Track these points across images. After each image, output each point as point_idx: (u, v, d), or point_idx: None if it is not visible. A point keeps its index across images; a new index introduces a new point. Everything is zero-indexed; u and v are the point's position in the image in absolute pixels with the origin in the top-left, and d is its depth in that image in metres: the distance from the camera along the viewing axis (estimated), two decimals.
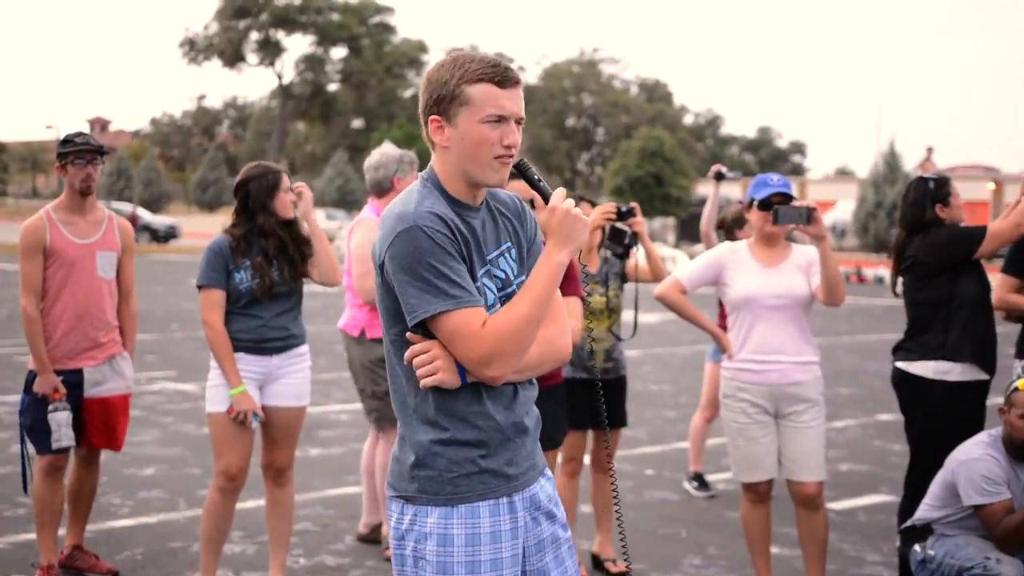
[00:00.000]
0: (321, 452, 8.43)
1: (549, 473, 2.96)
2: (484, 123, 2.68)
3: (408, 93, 79.22)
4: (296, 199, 5.16)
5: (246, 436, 5.09)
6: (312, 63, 75.99)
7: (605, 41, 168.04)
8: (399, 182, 6.05)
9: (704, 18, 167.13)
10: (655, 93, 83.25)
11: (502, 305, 2.74)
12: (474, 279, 2.71)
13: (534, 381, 2.89)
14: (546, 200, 2.76)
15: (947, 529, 4.93)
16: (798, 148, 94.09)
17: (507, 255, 2.82)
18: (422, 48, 77.96)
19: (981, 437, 4.95)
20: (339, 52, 76.45)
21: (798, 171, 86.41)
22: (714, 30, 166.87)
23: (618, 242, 5.73)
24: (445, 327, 2.63)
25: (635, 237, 5.74)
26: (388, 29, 76.66)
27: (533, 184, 2.82)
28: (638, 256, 5.81)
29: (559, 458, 5.65)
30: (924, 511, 5.02)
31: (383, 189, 6.07)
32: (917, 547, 4.97)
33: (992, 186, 50.48)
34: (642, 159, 53.09)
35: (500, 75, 2.69)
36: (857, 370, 13.69)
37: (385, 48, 75.42)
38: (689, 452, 7.71)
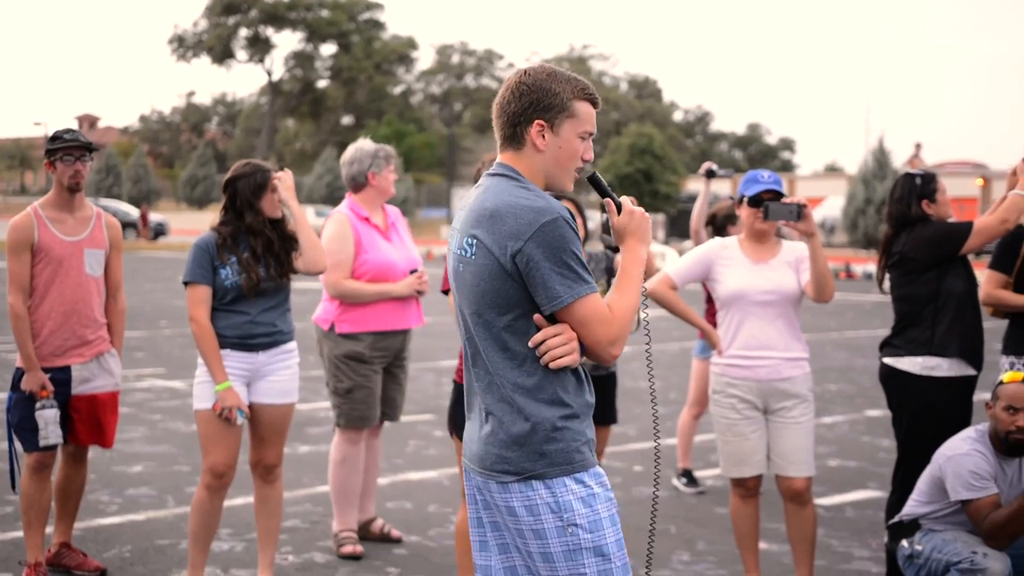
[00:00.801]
0: (310, 449, 8.42)
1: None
2: (580, 137, 3.01)
3: (398, 90, 79.22)
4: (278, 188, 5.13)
5: (233, 433, 5.08)
6: (301, 60, 75.86)
7: (595, 38, 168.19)
8: (374, 177, 6.04)
9: (694, 15, 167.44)
10: (645, 90, 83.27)
11: None
12: None
13: None
14: (619, 207, 3.12)
15: (934, 524, 4.94)
16: (787, 145, 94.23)
17: None
18: (412, 45, 77.85)
19: (968, 432, 4.96)
20: (328, 49, 76.36)
21: (787, 168, 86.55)
22: (704, 27, 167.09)
23: (612, 235, 5.73)
24: (581, 311, 2.90)
25: None
26: (378, 26, 76.52)
27: (606, 193, 3.14)
28: None
29: None
30: (912, 506, 5.03)
31: (358, 184, 6.07)
32: (904, 542, 4.99)
33: (980, 182, 50.61)
34: (632, 156, 53.07)
35: (596, 97, 3.05)
36: (846, 366, 13.71)
37: (375, 45, 75.27)
38: (677, 449, 7.72)
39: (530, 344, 2.93)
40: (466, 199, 3.09)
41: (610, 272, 5.85)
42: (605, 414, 5.81)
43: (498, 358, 2.96)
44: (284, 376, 5.22)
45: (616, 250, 5.80)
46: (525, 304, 2.93)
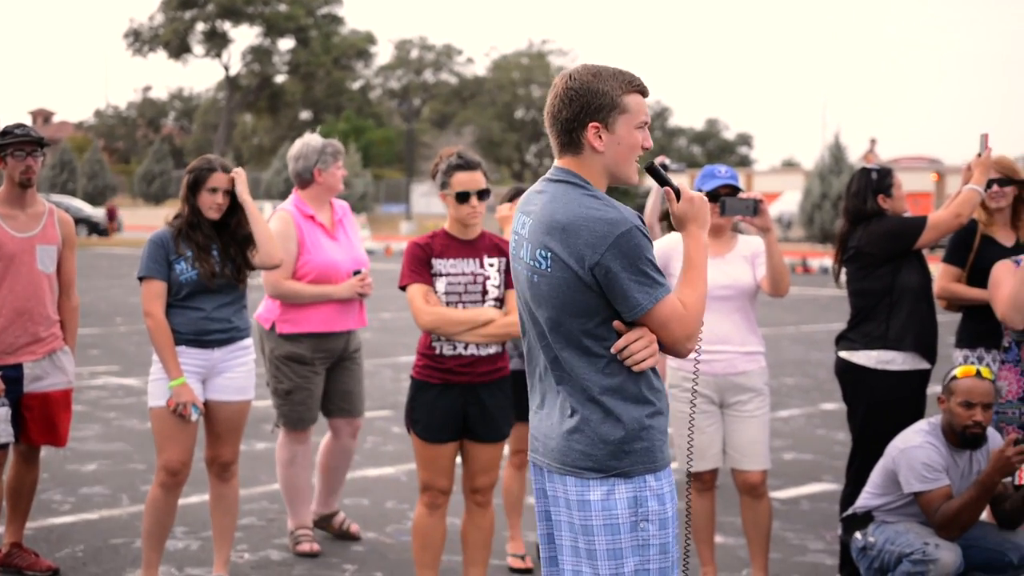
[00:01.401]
0: (267, 446, 8.37)
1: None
2: (637, 128, 3.05)
3: (356, 85, 78.89)
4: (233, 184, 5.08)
5: (188, 430, 5.04)
6: (259, 54, 75.29)
7: (554, 33, 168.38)
8: (320, 174, 5.96)
9: (652, 10, 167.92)
10: None
11: None
12: None
13: None
14: (677, 194, 3.13)
15: (887, 516, 4.99)
16: (745, 140, 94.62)
17: None
18: (370, 40, 77.50)
19: (921, 425, 5.01)
20: (286, 43, 75.80)
21: (745, 163, 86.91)
22: (662, 23, 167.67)
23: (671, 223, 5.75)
24: (661, 313, 2.97)
25: None
26: (336, 20, 76.07)
27: (665, 182, 3.17)
28: None
29: (506, 450, 5.65)
30: (865, 499, 5.07)
31: (304, 181, 5.99)
32: (858, 534, 5.03)
33: (934, 177, 51.08)
34: None
35: (644, 86, 3.08)
36: (802, 360, 13.81)
37: (333, 39, 74.81)
38: None
39: (612, 350, 3.00)
40: (526, 204, 3.14)
41: None
42: None
43: (580, 363, 3.03)
44: (240, 373, 5.18)
45: None
46: (604, 311, 3.00)
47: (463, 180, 4.78)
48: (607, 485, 3.01)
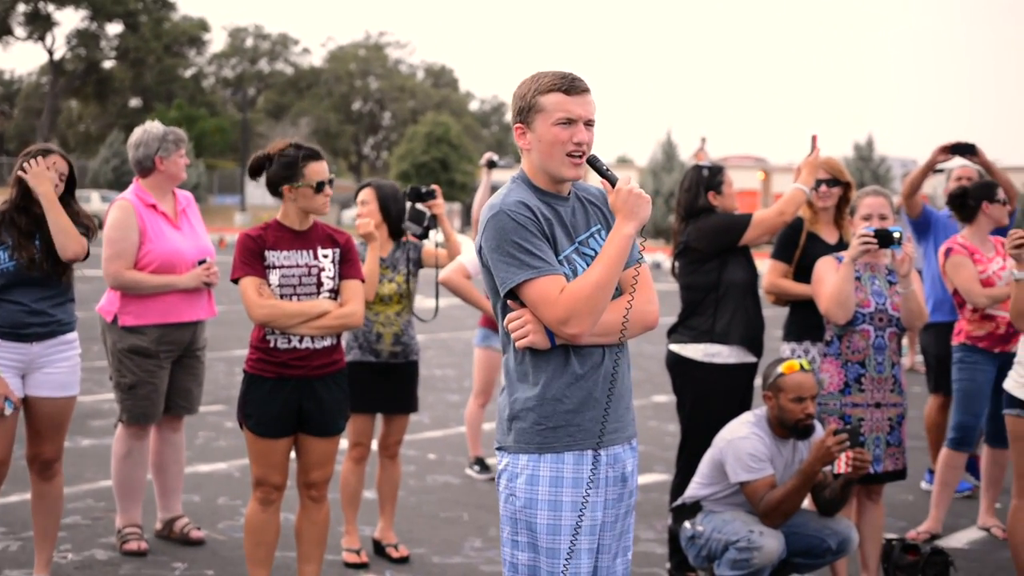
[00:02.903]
0: (93, 443, 8.12)
1: (636, 444, 3.42)
2: (556, 125, 3.17)
3: (189, 73, 76.99)
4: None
5: (5, 426, 4.85)
6: (85, 39, 72.76)
7: (391, 25, 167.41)
8: (162, 162, 5.82)
9: (489, 5, 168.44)
10: (441, 79, 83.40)
11: None
12: (559, 254, 3.19)
13: (625, 347, 3.32)
14: (613, 185, 3.23)
15: (715, 506, 5.12)
16: None
17: (597, 236, 3.31)
18: (203, 27, 75.71)
19: (747, 417, 5.16)
20: (115, 28, 73.51)
21: None
22: (499, 18, 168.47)
23: (418, 223, 5.73)
24: (529, 294, 3.13)
25: (435, 219, 5.75)
26: (167, 6, 74.02)
27: (601, 173, 3.28)
28: (437, 239, 5.81)
29: (344, 444, 5.60)
30: (694, 489, 5.19)
31: (145, 169, 5.84)
32: (687, 523, 5.14)
33: (761, 175, 52.71)
34: (428, 144, 53.20)
35: (567, 84, 3.19)
36: (635, 353, 14.05)
37: (164, 25, 72.83)
38: (467, 438, 7.76)
39: (505, 324, 3.24)
40: None
41: (416, 263, 5.82)
42: (405, 402, 5.81)
43: (502, 338, 3.34)
44: (62, 368, 5.01)
45: (423, 236, 5.79)
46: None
47: (318, 170, 4.72)
48: (500, 456, 3.30)
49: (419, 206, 5.73)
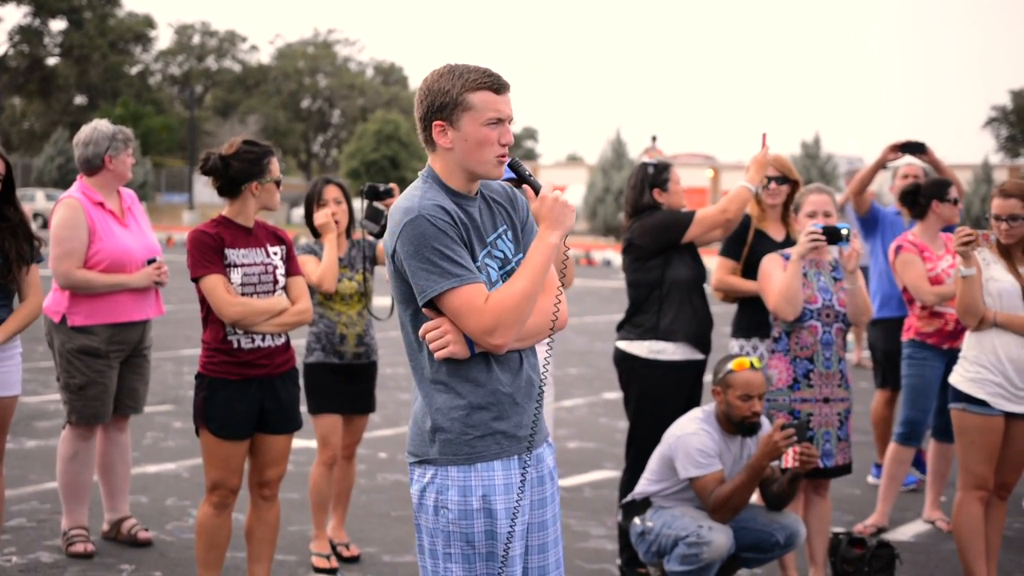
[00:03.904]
0: (38, 444, 8.01)
1: (552, 442, 3.37)
2: (485, 125, 3.06)
3: (135, 70, 76.18)
4: None
5: None
6: (28, 35, 71.81)
7: (340, 22, 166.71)
8: (111, 161, 5.77)
9: (438, 3, 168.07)
10: (391, 76, 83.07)
11: (504, 281, 3.13)
12: (475, 260, 3.08)
13: (535, 349, 3.25)
14: (536, 192, 3.15)
15: (664, 501, 5.15)
16: (531, 134, 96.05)
17: (504, 236, 3.21)
18: (149, 23, 74.88)
19: (695, 413, 5.19)
20: (59, 24, 72.57)
21: (531, 156, 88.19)
22: (447, 16, 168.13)
23: (375, 221, 5.71)
24: (451, 304, 3.00)
25: None
26: (112, 2, 73.16)
27: (524, 179, 3.21)
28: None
29: (313, 443, 5.56)
30: (643, 485, 5.22)
31: (92, 167, 5.79)
32: (637, 519, 5.17)
33: (711, 173, 53.01)
34: (378, 142, 52.95)
35: (496, 83, 3.09)
36: (586, 350, 14.11)
37: (109, 22, 71.97)
38: None
39: (420, 335, 3.10)
40: None
41: (372, 261, 5.80)
42: (364, 402, 5.80)
43: (412, 350, 3.16)
44: (3, 369, 4.94)
45: (379, 235, 5.76)
46: (416, 300, 3.08)
47: (277, 165, 4.79)
48: (418, 471, 3.16)
49: (376, 204, 5.72)
